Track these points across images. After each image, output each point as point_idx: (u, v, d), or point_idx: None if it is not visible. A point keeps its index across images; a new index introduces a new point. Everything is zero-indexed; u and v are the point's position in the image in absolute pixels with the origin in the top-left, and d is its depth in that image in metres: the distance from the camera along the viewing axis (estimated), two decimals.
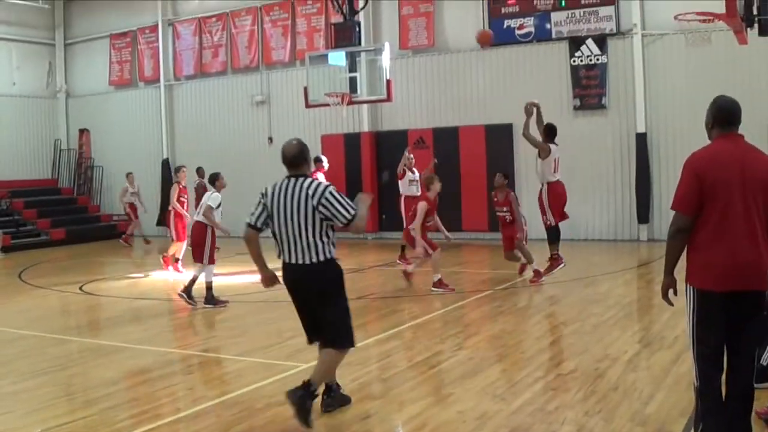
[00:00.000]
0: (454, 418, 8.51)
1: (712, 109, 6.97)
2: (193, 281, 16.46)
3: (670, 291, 6.87)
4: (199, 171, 26.04)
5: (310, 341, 9.27)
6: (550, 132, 17.57)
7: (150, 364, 11.87)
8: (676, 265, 6.78)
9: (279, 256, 8.91)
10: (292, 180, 8.69)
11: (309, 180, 8.65)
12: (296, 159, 8.85)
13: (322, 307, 8.96)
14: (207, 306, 16.25)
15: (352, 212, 8.58)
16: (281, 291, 17.27)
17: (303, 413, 8.34)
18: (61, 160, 37.56)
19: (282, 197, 8.62)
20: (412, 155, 22.15)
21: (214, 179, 17.34)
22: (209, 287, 16.48)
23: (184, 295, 16.32)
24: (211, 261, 16.67)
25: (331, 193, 8.54)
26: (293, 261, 8.76)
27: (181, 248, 22.42)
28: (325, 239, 8.69)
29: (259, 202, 8.82)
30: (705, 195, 6.60)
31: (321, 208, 8.47)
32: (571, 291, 16.46)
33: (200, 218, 16.78)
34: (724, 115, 6.93)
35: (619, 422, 8.10)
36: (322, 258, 8.71)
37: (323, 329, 9.03)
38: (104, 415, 9.16)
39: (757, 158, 6.81)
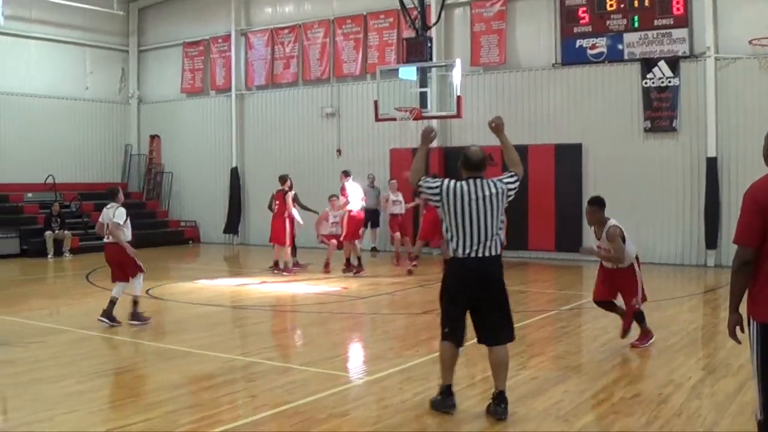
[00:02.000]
0: None
1: None
2: (134, 303, 15.80)
3: (737, 328, 6.63)
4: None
5: (459, 342, 9.46)
6: None
7: (214, 370, 11.94)
8: (741, 300, 6.58)
9: (456, 253, 9.19)
10: (477, 180, 9.19)
11: (489, 180, 9.26)
12: (482, 163, 9.38)
13: (499, 300, 9.36)
14: (133, 322, 15.45)
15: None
16: (341, 303, 17.39)
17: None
18: (131, 165, 37.97)
19: (470, 194, 9.07)
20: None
21: (115, 194, 16.20)
22: (135, 302, 15.76)
23: (105, 320, 15.37)
24: (136, 272, 15.72)
25: (508, 183, 9.38)
26: (479, 255, 9.12)
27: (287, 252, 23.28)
28: (500, 233, 9.24)
29: (435, 180, 9.37)
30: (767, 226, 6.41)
31: (507, 199, 9.32)
32: None
33: (111, 239, 15.51)
34: None
35: None
36: (500, 251, 9.29)
37: (496, 325, 9.34)
38: (166, 418, 9.23)
39: None
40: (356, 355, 13.53)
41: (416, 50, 23.92)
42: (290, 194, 23.55)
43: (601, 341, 13.45)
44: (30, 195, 33.33)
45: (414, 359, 12.24)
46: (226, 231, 34.40)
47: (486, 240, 9.11)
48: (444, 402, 9.45)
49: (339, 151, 31.64)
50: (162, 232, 34.89)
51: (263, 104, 34.70)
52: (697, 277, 23.05)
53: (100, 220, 15.94)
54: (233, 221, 34.45)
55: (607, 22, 25.83)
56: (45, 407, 9.76)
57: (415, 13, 24.54)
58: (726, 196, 24.22)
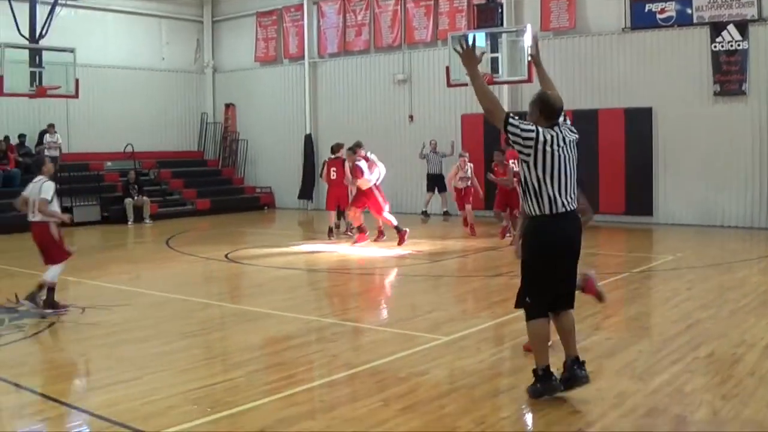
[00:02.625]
0: (593, 395, 8.50)
1: None
2: (46, 289, 13.66)
3: None
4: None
5: (548, 311, 8.53)
6: None
7: (294, 331, 12.12)
8: None
9: (553, 209, 8.12)
10: (560, 127, 8.28)
11: (567, 126, 8.51)
12: (562, 109, 8.46)
13: (577, 260, 8.57)
14: (47, 310, 13.52)
15: None
16: (416, 266, 17.45)
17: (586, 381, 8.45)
18: (207, 133, 38.38)
19: (561, 141, 8.17)
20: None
21: (40, 164, 14.16)
22: (52, 288, 13.71)
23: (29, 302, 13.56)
24: (62, 257, 13.82)
25: (575, 133, 8.43)
26: (571, 209, 8.26)
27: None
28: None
29: (528, 123, 8.19)
30: None
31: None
32: (707, 277, 16.22)
33: (37, 218, 13.58)
34: None
35: (755, 407, 8.02)
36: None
37: (573, 287, 8.79)
38: (249, 378, 9.41)
39: None
40: (432, 316, 13.43)
41: (487, 16, 24.05)
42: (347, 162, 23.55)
43: (673, 303, 13.43)
44: (109, 164, 33.76)
45: (488, 320, 12.33)
46: (300, 197, 34.61)
47: (574, 192, 8.23)
48: (548, 386, 8.42)
49: (411, 117, 31.70)
50: (238, 199, 35.23)
51: (336, 72, 34.80)
52: (766, 239, 22.87)
53: (23, 194, 13.90)
54: (307, 187, 34.64)
55: None
56: (134, 367, 9.98)
57: None
58: None
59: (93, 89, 32.17)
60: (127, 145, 33.37)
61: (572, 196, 8.21)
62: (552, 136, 8.09)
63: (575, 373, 8.44)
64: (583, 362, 8.54)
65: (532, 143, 8.02)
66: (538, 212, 8.16)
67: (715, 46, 24.83)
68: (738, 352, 10.19)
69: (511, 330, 11.76)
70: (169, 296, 15.34)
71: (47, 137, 31.18)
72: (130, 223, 29.93)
